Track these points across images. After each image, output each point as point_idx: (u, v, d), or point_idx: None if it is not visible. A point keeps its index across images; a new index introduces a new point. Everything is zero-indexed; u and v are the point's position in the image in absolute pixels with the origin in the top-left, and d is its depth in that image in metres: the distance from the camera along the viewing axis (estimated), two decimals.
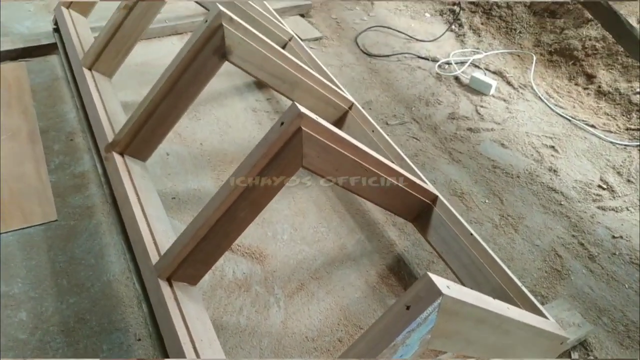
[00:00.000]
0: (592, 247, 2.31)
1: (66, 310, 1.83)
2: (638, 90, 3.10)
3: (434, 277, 1.14)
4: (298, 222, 2.25)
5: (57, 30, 2.95)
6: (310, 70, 2.32)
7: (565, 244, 2.31)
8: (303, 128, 1.56)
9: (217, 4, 1.95)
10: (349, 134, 2.43)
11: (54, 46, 3.00)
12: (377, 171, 1.84)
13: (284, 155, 1.59)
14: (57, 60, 2.99)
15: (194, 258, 1.68)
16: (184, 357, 1.51)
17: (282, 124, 1.55)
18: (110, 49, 2.52)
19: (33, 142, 2.46)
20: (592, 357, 1.89)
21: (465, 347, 1.36)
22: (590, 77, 3.28)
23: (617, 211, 2.49)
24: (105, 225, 2.13)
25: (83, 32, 2.84)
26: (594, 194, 2.57)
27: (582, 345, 1.93)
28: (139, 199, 1.96)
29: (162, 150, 2.48)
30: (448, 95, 3.12)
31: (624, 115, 3.03)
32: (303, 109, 1.54)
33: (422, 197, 2.06)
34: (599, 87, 3.20)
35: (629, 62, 3.24)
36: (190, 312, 1.63)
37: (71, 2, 2.94)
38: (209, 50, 2.01)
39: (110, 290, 1.91)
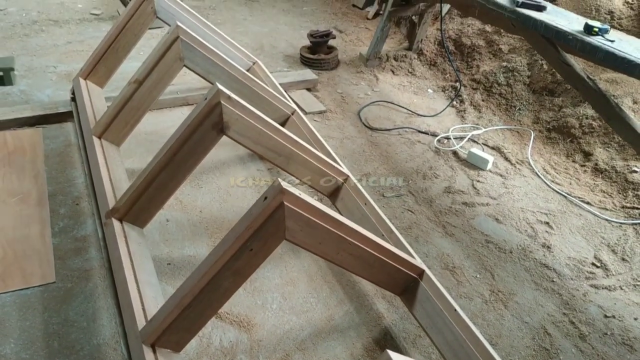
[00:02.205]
0: (583, 326, 2.30)
1: None
2: (634, 168, 3.15)
3: (394, 356, 1.18)
4: (288, 292, 2.29)
5: (74, 99, 3.14)
6: (306, 144, 2.42)
7: (555, 321, 2.31)
8: (285, 203, 1.64)
9: (217, 82, 2.08)
10: (342, 206, 2.53)
11: (70, 114, 3.18)
12: (361, 245, 1.90)
13: (266, 229, 1.66)
14: (72, 128, 3.16)
15: (178, 325, 1.73)
16: None
17: (265, 198, 1.64)
18: (120, 120, 2.68)
19: (41, 205, 2.58)
20: None
21: None
22: (587, 155, 3.34)
23: (610, 290, 2.49)
24: (101, 289, 2.20)
25: (97, 102, 3.01)
26: (587, 271, 2.57)
27: None
28: (132, 264, 2.03)
29: (162, 216, 2.58)
30: (445, 170, 3.20)
31: (620, 193, 3.07)
32: (286, 185, 1.62)
33: (408, 272, 2.10)
34: (596, 164, 3.26)
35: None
36: None
37: (89, 74, 3.13)
38: (208, 125, 2.13)
39: (99, 354, 1.95)
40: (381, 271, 2.01)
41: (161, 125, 3.24)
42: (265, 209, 1.63)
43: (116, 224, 2.19)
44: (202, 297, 1.71)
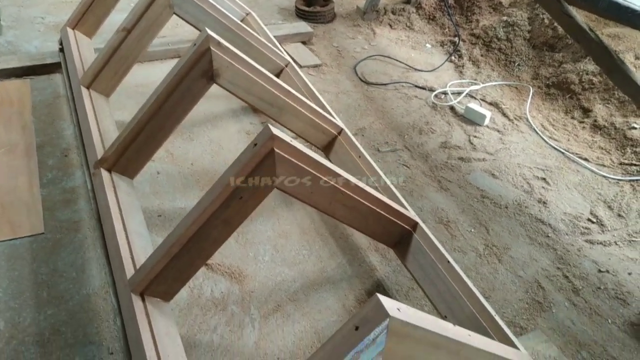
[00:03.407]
0: (576, 281, 2.29)
1: (43, 321, 1.86)
2: (633, 125, 3.10)
3: (383, 299, 1.15)
4: (280, 244, 2.27)
5: (62, 50, 3.05)
6: (300, 96, 2.36)
7: (549, 276, 2.30)
8: (276, 150, 1.59)
9: (206, 28, 2.01)
10: (336, 158, 2.48)
11: (58, 65, 3.10)
12: (354, 196, 1.86)
13: (256, 176, 1.62)
14: (61, 79, 3.08)
15: (166, 274, 1.70)
16: None
17: (255, 145, 1.59)
18: (108, 70, 2.60)
19: (29, 156, 2.53)
20: None
21: None
22: (586, 111, 3.29)
23: (605, 245, 2.47)
24: (90, 240, 2.17)
25: (86, 52, 2.93)
26: (582, 227, 2.55)
27: None
28: (121, 214, 1.99)
29: (153, 168, 2.53)
30: (442, 125, 3.15)
31: (618, 150, 3.03)
32: (276, 132, 1.57)
33: (401, 224, 2.07)
34: (595, 121, 3.21)
35: (625, 97, 3.24)
36: (160, 328, 1.65)
37: (77, 24, 3.04)
38: (197, 72, 2.06)
39: (88, 304, 1.93)
40: (374, 223, 1.98)
41: (152, 77, 3.15)
42: (255, 156, 1.58)
43: (105, 174, 2.15)
44: (191, 246, 1.68)
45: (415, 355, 1.26)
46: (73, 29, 3.05)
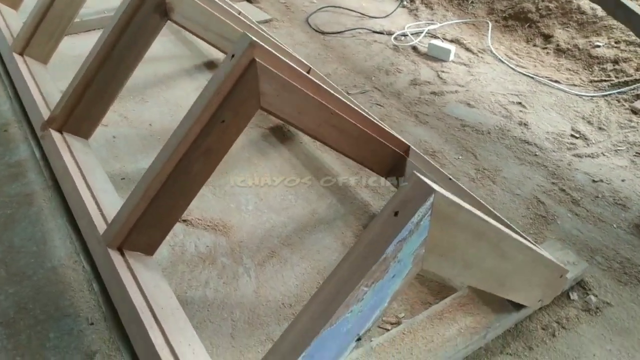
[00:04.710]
0: (574, 192, 2.20)
1: (5, 301, 1.59)
2: (597, 43, 3.06)
3: (423, 177, 0.98)
4: (263, 192, 2.07)
5: None
6: (262, 31, 2.17)
7: (546, 191, 2.20)
8: (257, 60, 1.39)
9: None
10: None
11: None
12: (345, 117, 1.69)
13: (238, 94, 1.42)
14: None
15: (146, 222, 1.48)
16: (144, 328, 1.31)
17: (232, 56, 1.39)
18: (42, 32, 2.33)
19: None
20: (591, 296, 1.75)
21: (463, 272, 1.19)
22: (547, 37, 3.23)
23: (593, 157, 2.40)
24: (47, 211, 1.90)
25: (12, 22, 2.63)
26: (567, 143, 2.47)
27: (580, 285, 1.79)
28: (81, 172, 1.75)
29: (107, 133, 2.28)
30: (407, 64, 3.01)
31: (586, 69, 2.98)
32: (255, 39, 1.38)
33: (394, 148, 1.91)
34: (557, 45, 3.15)
35: (583, 18, 3.21)
36: (147, 281, 1.43)
37: None
38: (149, 7, 1.84)
39: (56, 276, 1.68)
40: (366, 147, 1.82)
41: (90, 47, 2.87)
42: (234, 69, 1.38)
43: (55, 134, 1.89)
44: (170, 186, 1.46)
45: (457, 244, 1.10)
46: None
